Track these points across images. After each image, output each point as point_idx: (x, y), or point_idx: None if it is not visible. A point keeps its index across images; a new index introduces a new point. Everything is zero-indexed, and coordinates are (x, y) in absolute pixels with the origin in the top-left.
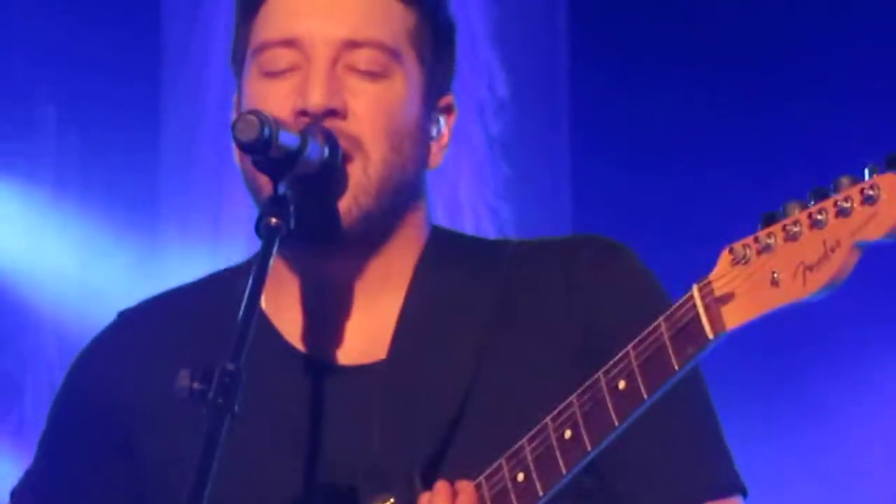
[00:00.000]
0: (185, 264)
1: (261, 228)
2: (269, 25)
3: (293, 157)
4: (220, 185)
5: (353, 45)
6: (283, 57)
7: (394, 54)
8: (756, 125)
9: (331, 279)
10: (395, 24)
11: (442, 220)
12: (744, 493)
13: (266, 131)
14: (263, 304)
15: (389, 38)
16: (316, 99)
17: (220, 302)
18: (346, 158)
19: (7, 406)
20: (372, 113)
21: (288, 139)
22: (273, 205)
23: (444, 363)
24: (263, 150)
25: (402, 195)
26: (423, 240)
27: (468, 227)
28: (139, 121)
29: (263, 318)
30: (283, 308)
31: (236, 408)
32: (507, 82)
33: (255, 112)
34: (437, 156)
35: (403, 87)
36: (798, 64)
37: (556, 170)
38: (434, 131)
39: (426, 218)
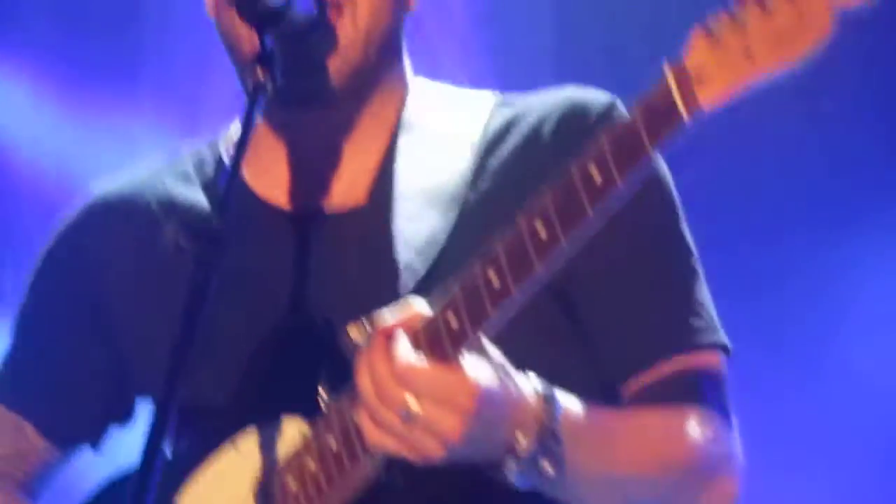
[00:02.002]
0: (162, 138)
1: (246, 82)
2: None
3: (281, 11)
4: (201, 66)
5: None
6: None
7: None
8: None
9: (314, 133)
10: None
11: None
12: (725, 350)
13: None
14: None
15: None
16: None
17: (197, 172)
18: (337, 12)
19: None
20: None
21: None
22: (260, 58)
23: (426, 207)
24: (251, 1)
25: (386, 45)
26: (405, 88)
27: None
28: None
29: (240, 182)
30: (262, 170)
31: (221, 264)
32: None
33: None
34: None
35: None
36: None
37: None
38: None
39: (406, 66)
